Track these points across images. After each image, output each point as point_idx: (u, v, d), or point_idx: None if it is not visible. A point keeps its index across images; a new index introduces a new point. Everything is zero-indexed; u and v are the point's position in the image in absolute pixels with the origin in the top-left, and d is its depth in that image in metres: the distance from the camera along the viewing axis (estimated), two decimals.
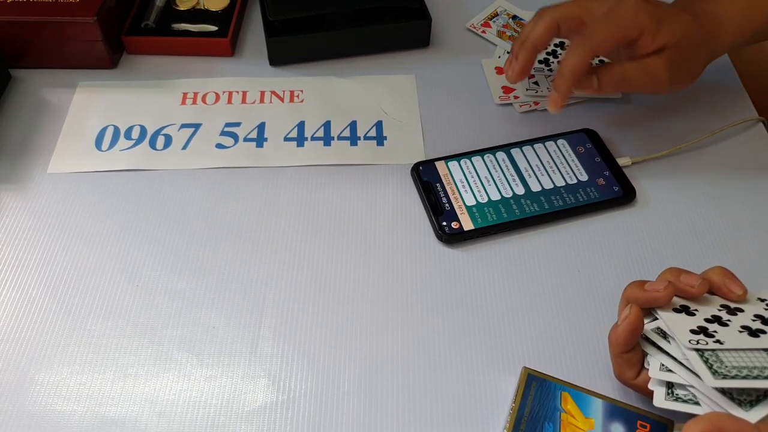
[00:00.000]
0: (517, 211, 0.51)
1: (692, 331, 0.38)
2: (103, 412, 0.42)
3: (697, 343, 0.37)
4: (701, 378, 0.35)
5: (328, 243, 0.51)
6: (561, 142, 0.56)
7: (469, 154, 0.55)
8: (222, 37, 0.64)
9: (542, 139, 0.56)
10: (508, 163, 0.55)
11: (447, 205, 0.52)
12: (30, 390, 0.43)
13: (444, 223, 0.50)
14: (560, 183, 0.53)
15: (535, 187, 0.53)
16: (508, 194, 0.52)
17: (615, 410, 0.40)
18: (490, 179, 0.53)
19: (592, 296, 0.48)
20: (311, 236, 0.51)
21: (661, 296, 0.39)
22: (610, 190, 0.53)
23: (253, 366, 0.44)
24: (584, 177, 0.54)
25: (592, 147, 0.56)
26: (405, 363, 0.45)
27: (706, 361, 0.36)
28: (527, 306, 0.47)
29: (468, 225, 0.50)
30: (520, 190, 0.53)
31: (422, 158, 0.56)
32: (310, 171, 0.55)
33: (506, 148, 0.56)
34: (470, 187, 0.53)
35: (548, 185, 0.53)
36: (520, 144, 0.56)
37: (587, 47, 0.48)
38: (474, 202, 0.52)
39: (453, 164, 0.54)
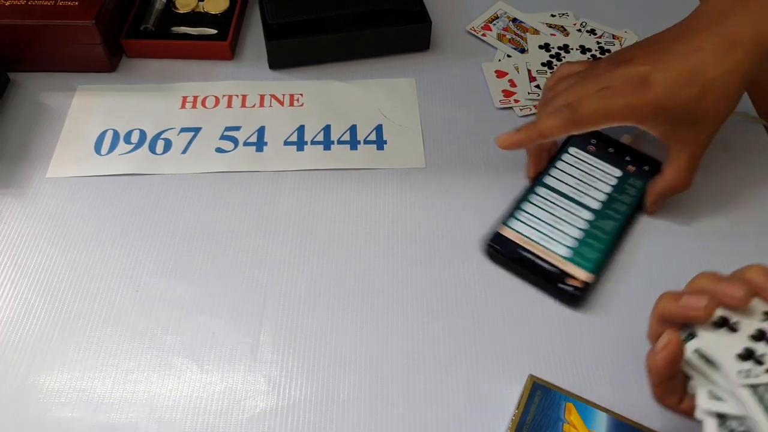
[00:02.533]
0: (604, 236, 0.50)
1: (739, 357, 0.33)
2: (103, 419, 0.42)
3: (748, 375, 0.32)
4: (759, 424, 0.31)
5: (328, 247, 0.50)
6: (573, 150, 0.55)
7: (516, 209, 0.51)
8: (221, 41, 0.64)
9: (556, 158, 0.55)
10: (553, 194, 0.52)
11: (549, 266, 0.48)
12: (29, 396, 0.43)
13: (564, 287, 0.47)
14: (606, 189, 0.52)
15: (593, 204, 0.51)
16: (583, 225, 0.50)
17: (619, 426, 0.40)
18: (557, 219, 0.50)
19: (606, 304, 0.48)
20: (311, 241, 0.51)
21: (701, 315, 0.35)
22: (643, 172, 0.53)
23: (252, 372, 0.44)
24: (617, 172, 0.53)
25: (597, 141, 0.55)
26: (406, 369, 0.44)
27: (761, 399, 0.31)
28: (533, 312, 0.47)
29: (583, 275, 0.47)
30: (587, 215, 0.51)
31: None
32: (310, 175, 0.55)
33: (537, 183, 0.53)
34: (551, 237, 0.49)
35: (601, 196, 0.52)
36: (543, 174, 0.54)
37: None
38: (568, 252, 0.49)
39: (515, 224, 0.50)
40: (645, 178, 0.53)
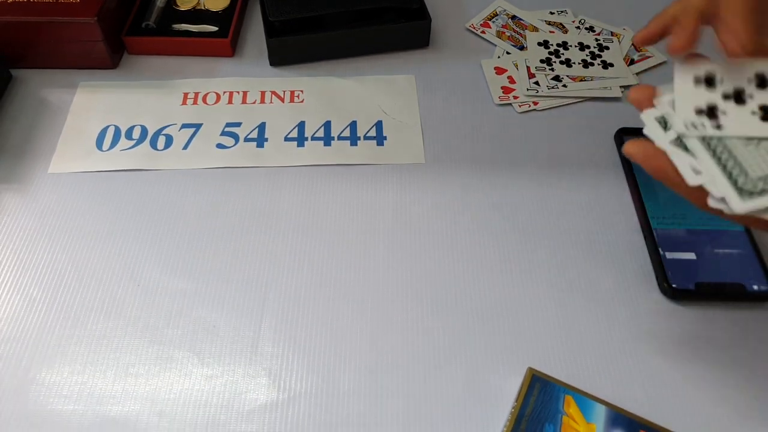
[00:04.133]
0: None
1: (697, 112, 0.31)
2: (104, 412, 0.42)
3: (696, 128, 0.31)
4: (726, 200, 0.29)
5: (328, 242, 0.51)
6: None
7: None
8: (222, 38, 0.64)
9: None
10: None
11: None
12: (31, 389, 0.43)
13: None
14: None
15: None
16: None
17: (617, 418, 0.40)
18: None
19: (603, 299, 0.48)
20: (311, 236, 0.51)
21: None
22: None
23: (253, 365, 0.44)
24: None
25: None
26: (406, 362, 0.45)
27: (729, 176, 0.29)
28: (532, 305, 0.47)
29: None
30: None
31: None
32: (310, 171, 0.56)
33: None
34: None
35: None
36: None
37: None
38: None
39: None
40: None
